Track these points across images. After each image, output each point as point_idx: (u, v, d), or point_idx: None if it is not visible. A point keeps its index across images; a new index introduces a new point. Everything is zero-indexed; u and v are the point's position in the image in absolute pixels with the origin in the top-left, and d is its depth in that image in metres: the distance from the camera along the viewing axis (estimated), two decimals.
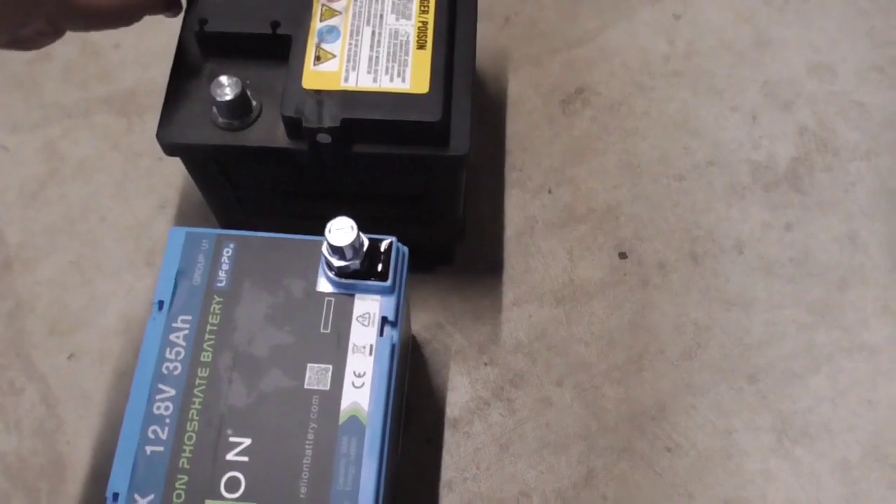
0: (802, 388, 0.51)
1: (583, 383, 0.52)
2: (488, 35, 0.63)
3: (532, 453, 0.50)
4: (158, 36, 0.62)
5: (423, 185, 0.44)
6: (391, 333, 0.37)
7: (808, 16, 0.64)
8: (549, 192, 0.58)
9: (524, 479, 0.49)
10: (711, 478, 0.49)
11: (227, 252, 0.38)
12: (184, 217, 0.56)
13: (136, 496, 0.34)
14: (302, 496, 0.34)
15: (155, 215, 0.56)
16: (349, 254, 0.36)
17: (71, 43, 0.62)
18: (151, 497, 0.34)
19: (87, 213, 0.56)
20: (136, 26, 0.60)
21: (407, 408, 0.50)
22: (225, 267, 0.38)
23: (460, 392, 0.51)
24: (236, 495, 0.34)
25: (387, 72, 0.40)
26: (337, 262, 0.36)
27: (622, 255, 0.55)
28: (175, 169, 0.58)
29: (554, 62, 0.62)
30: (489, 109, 0.61)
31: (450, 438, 0.50)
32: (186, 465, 0.34)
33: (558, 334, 0.53)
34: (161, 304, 0.37)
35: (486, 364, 0.52)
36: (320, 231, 0.36)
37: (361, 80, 0.40)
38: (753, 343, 0.53)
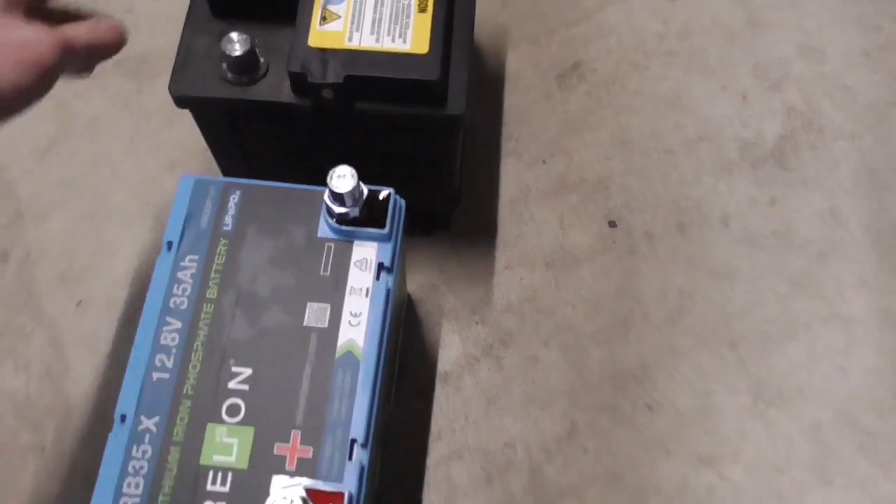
0: (779, 354, 0.54)
1: (569, 343, 0.54)
2: (489, 13, 0.65)
3: (518, 408, 0.52)
4: (170, 2, 0.64)
5: (421, 145, 0.46)
6: (386, 278, 0.39)
7: (799, 0, 0.66)
8: (544, 162, 0.60)
9: (510, 432, 0.51)
10: (688, 435, 0.51)
11: (234, 199, 0.40)
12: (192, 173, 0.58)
13: (143, 417, 0.36)
14: (298, 423, 0.36)
15: (163, 174, 0.58)
16: (349, 201, 0.38)
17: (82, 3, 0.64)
18: (157, 419, 0.36)
19: (98, 168, 0.59)
20: None
21: (400, 362, 0.52)
22: (231, 212, 0.40)
23: (452, 349, 0.54)
24: (236, 420, 0.36)
25: (389, 33, 0.42)
26: (337, 209, 0.39)
27: (611, 224, 0.58)
28: (184, 130, 0.60)
29: (552, 40, 0.64)
30: (488, 84, 0.63)
31: (440, 392, 0.52)
32: (190, 392, 0.36)
33: (547, 297, 0.55)
34: (170, 244, 0.39)
35: (477, 323, 0.54)
36: (320, 185, 0.38)
37: (365, 40, 0.42)
38: (735, 311, 0.55)
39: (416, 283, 0.55)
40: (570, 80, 0.63)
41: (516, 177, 0.59)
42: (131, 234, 0.57)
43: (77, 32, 0.36)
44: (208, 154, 0.51)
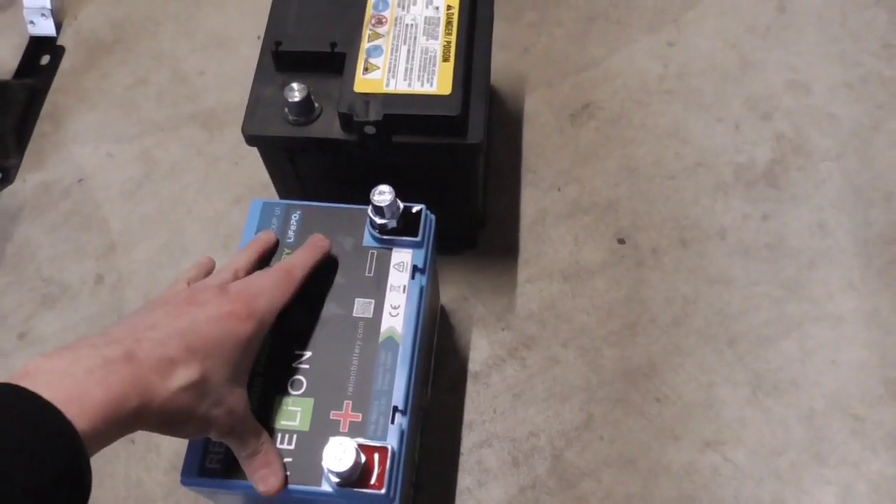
0: (775, 350, 0.60)
1: (585, 345, 0.61)
2: (508, 62, 0.75)
3: (541, 401, 0.59)
4: (236, 64, 0.75)
5: (448, 171, 0.54)
6: (420, 278, 0.47)
7: (786, 41, 0.74)
8: (559, 189, 0.68)
9: (534, 422, 0.58)
10: (694, 423, 0.57)
11: (295, 217, 0.49)
12: None
13: None
14: (349, 394, 0.44)
15: (230, 208, 0.68)
16: (388, 214, 0.47)
17: (164, 70, 0.76)
18: None
19: (175, 206, 0.68)
20: (216, 56, 0.74)
21: (436, 363, 0.60)
22: (293, 227, 0.49)
23: (481, 351, 0.61)
24: (299, 392, 0.44)
25: (419, 79, 0.51)
26: (379, 220, 0.47)
27: (621, 241, 0.65)
28: (247, 171, 0.70)
29: (564, 83, 0.73)
30: (508, 123, 0.72)
31: (471, 388, 0.59)
32: (261, 371, 0.45)
33: (565, 305, 0.62)
34: None
35: (503, 329, 0.62)
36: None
37: (399, 85, 0.51)
38: (733, 313, 0.61)
39: (449, 296, 0.63)
40: (581, 117, 0.71)
41: (535, 203, 0.67)
42: None
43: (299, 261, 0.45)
44: (267, 191, 0.60)
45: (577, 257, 0.64)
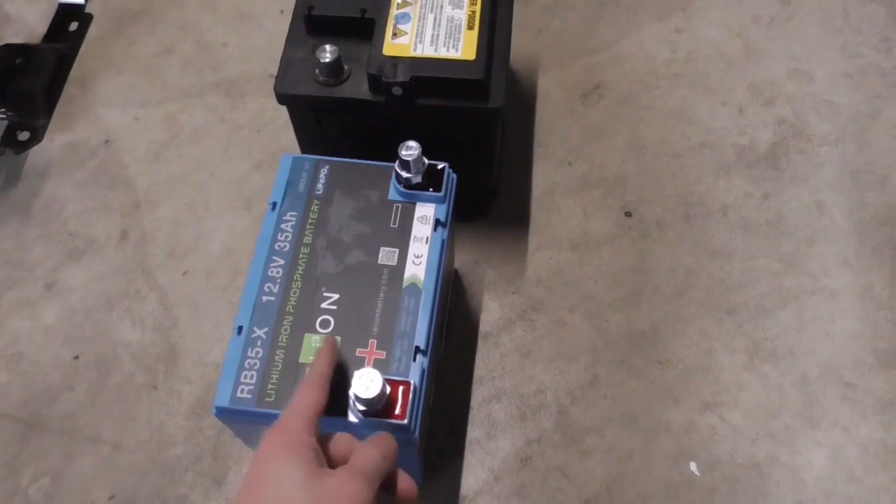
0: (772, 320, 0.62)
1: (591, 310, 0.63)
2: (523, 43, 0.77)
3: (548, 361, 0.61)
4: (259, 37, 0.78)
5: (469, 134, 0.57)
6: (442, 231, 0.50)
7: (790, 31, 0.77)
8: (569, 164, 0.71)
9: (540, 380, 0.61)
10: (694, 386, 0.60)
11: (324, 171, 0.52)
12: (275, 174, 0.70)
13: (255, 328, 0.46)
14: (374, 333, 0.46)
15: (252, 172, 0.71)
16: (414, 169, 0.50)
17: (188, 41, 0.78)
18: (266, 329, 0.46)
19: (199, 168, 0.71)
20: (240, 29, 0.77)
21: (449, 323, 0.62)
22: (322, 181, 0.52)
23: (491, 313, 0.64)
24: (327, 330, 0.46)
25: (444, 44, 0.54)
26: (405, 174, 0.50)
27: (627, 214, 0.68)
28: (268, 138, 0.72)
29: (576, 64, 0.76)
30: (523, 101, 0.74)
31: (482, 347, 0.62)
32: (291, 310, 0.47)
33: (572, 273, 0.65)
34: (274, 204, 0.51)
35: (513, 293, 0.64)
36: None
37: (426, 50, 0.54)
38: (733, 285, 0.64)
39: (462, 261, 0.66)
40: (592, 97, 0.74)
41: (546, 176, 0.70)
42: (225, 221, 0.68)
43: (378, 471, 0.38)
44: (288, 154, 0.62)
45: (586, 228, 0.67)
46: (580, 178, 0.70)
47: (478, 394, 0.60)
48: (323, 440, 0.40)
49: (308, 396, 0.40)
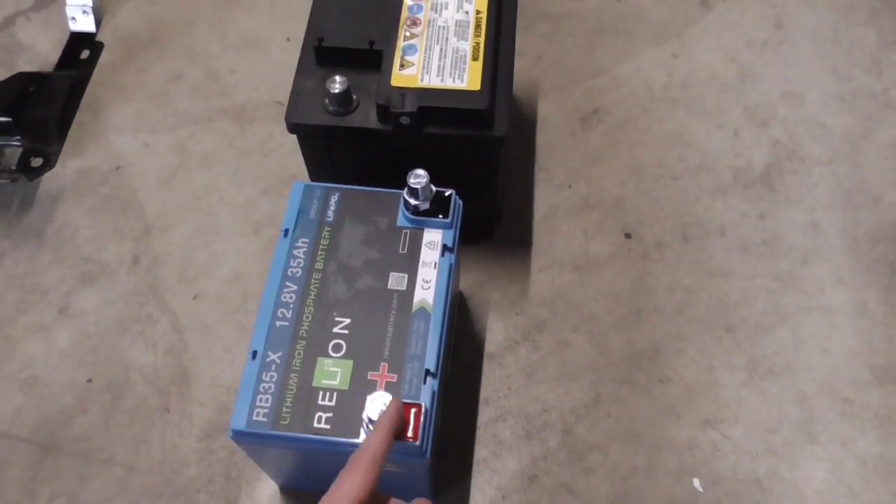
0: (770, 337, 0.64)
1: (593, 330, 0.65)
2: (523, 69, 0.79)
3: (552, 380, 0.63)
4: (266, 64, 0.80)
5: (473, 162, 0.59)
6: (449, 256, 0.52)
7: (782, 55, 0.79)
8: (570, 187, 0.72)
9: (545, 400, 0.62)
10: (695, 403, 0.62)
11: (334, 198, 0.54)
12: (283, 198, 0.72)
13: (269, 353, 0.48)
14: (385, 356, 0.48)
15: (261, 197, 0.72)
16: (422, 196, 0.51)
17: (197, 68, 0.80)
18: (280, 353, 0.48)
19: (208, 193, 0.72)
20: (247, 56, 0.79)
21: (455, 344, 0.64)
22: (332, 208, 0.53)
23: (496, 334, 0.65)
24: (339, 354, 0.48)
25: (450, 75, 0.56)
26: (413, 202, 0.51)
27: (627, 236, 0.69)
28: (277, 164, 0.74)
29: (575, 90, 0.78)
30: (523, 125, 0.76)
31: (487, 367, 0.63)
32: (304, 335, 0.49)
33: (575, 293, 0.67)
34: (287, 231, 0.52)
35: (517, 314, 0.66)
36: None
37: (433, 81, 0.55)
38: (731, 303, 0.66)
39: (467, 283, 0.67)
40: (591, 121, 0.76)
41: (547, 199, 0.72)
42: (234, 245, 0.70)
43: None
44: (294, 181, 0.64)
45: (587, 250, 0.69)
46: (580, 200, 0.71)
47: (484, 413, 0.62)
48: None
49: (353, 477, 0.38)
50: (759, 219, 0.70)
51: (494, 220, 0.70)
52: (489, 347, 0.64)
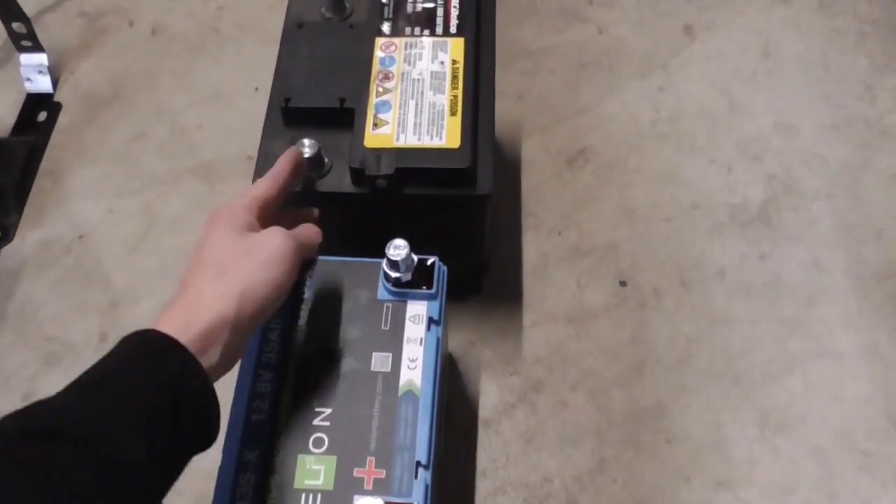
0: (779, 388, 0.61)
1: (593, 388, 0.61)
2: (505, 109, 0.76)
3: (552, 446, 0.59)
4: (234, 117, 0.76)
5: (457, 220, 0.55)
6: (436, 329, 0.48)
7: (772, 84, 0.76)
8: (559, 233, 0.69)
9: (547, 468, 0.58)
10: (705, 464, 0.58)
11: (309, 272, 0.50)
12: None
13: (245, 452, 0.44)
14: (372, 450, 0.44)
15: None
16: (403, 267, 0.47)
17: (163, 124, 0.76)
18: (256, 453, 0.44)
19: (178, 260, 0.68)
20: (215, 109, 0.75)
21: (447, 410, 0.60)
22: (307, 283, 0.49)
23: (490, 397, 0.61)
24: (321, 450, 0.44)
25: (428, 133, 0.52)
26: (393, 274, 0.48)
27: (622, 283, 0.66)
28: None
29: (559, 129, 0.75)
30: (508, 168, 0.73)
31: (483, 435, 0.60)
32: (282, 430, 0.44)
33: (571, 348, 0.63)
34: None
35: (511, 374, 0.62)
36: (376, 257, 0.47)
37: (409, 140, 0.52)
38: (736, 352, 0.62)
39: (457, 342, 0.64)
40: (578, 162, 0.73)
41: (536, 247, 0.68)
42: None
43: (304, 237, 0.46)
44: None
45: (581, 300, 0.65)
46: (571, 247, 0.68)
47: (482, 487, 0.58)
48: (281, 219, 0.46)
49: (258, 186, 0.46)
50: (759, 259, 0.67)
51: (482, 273, 0.66)
52: (484, 412, 0.61)
